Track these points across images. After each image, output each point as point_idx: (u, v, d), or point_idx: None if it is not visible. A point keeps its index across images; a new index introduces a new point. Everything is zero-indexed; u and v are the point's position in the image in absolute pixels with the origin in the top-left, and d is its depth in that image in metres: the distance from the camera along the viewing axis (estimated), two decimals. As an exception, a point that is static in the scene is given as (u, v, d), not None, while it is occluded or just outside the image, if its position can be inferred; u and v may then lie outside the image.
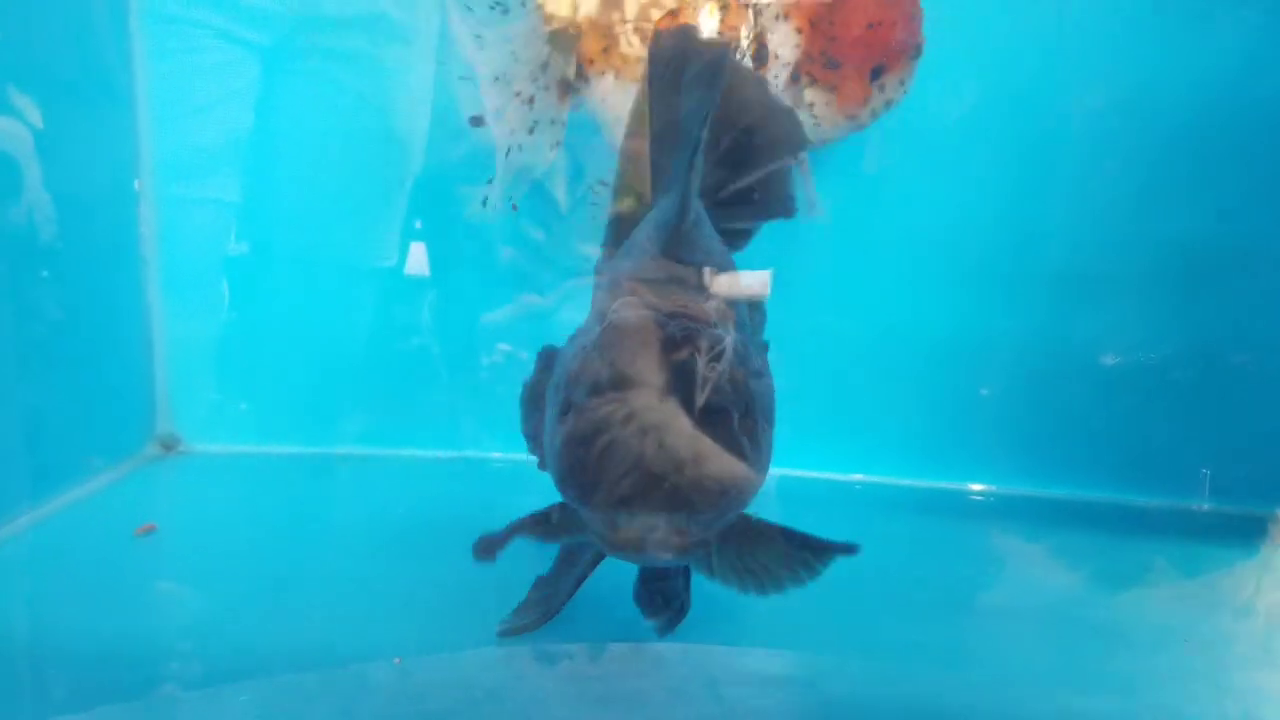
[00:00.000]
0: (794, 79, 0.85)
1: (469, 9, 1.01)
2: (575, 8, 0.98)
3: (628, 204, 0.86)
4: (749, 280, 0.78)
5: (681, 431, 0.53)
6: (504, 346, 1.22)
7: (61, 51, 1.13)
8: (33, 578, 0.92)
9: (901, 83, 0.83)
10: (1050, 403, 1.19)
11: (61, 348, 1.12)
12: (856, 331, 1.21)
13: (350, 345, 1.31)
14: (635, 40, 0.99)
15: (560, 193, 1.13)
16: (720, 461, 0.54)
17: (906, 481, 1.25)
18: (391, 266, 1.29)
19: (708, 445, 0.54)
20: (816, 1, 0.82)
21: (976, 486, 1.23)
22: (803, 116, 0.84)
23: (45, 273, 1.09)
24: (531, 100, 1.01)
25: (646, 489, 0.53)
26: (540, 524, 0.68)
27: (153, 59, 1.24)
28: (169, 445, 1.32)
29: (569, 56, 0.98)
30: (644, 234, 0.75)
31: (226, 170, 1.28)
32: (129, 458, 1.27)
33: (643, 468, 0.52)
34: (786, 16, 0.83)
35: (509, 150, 1.02)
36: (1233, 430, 1.17)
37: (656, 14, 0.98)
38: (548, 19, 0.98)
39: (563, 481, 0.59)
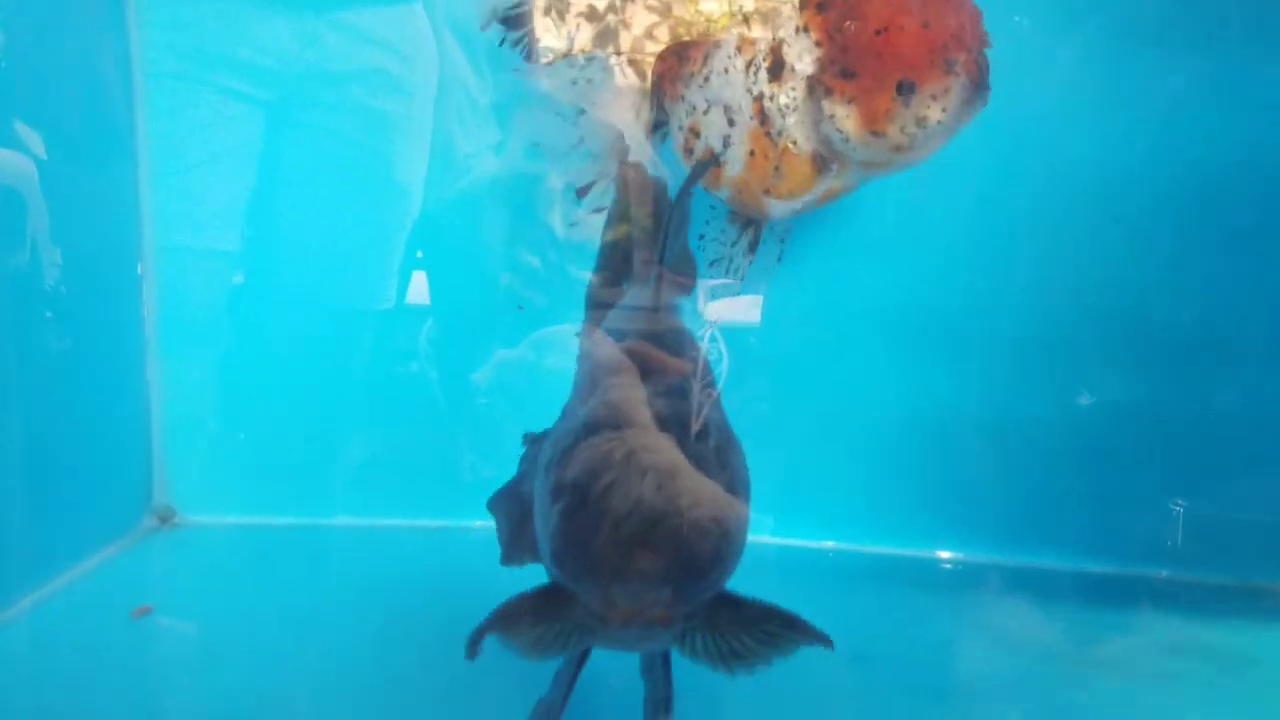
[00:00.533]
0: (811, 92, 0.82)
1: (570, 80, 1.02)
2: (570, 41, 1.00)
3: (622, 230, 0.86)
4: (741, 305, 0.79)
5: (682, 488, 0.54)
6: (482, 400, 1.24)
7: (68, 104, 1.16)
8: (32, 664, 0.94)
9: (934, 98, 0.76)
10: (1015, 470, 1.22)
11: (61, 424, 1.13)
12: (826, 397, 1.23)
13: (347, 417, 1.32)
14: (630, 73, 1.01)
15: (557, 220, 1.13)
16: (717, 525, 0.55)
17: (877, 549, 1.27)
18: (389, 310, 1.31)
19: (706, 502, 0.55)
20: (835, 11, 0.80)
21: (945, 554, 1.27)
22: (829, 132, 0.82)
23: (48, 341, 1.12)
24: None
25: (651, 548, 0.53)
26: (515, 614, 0.65)
27: (156, 113, 1.27)
28: (165, 517, 1.34)
29: (648, 99, 1.00)
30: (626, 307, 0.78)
31: (226, 235, 1.30)
32: (126, 532, 1.28)
33: (647, 520, 0.53)
34: (806, 29, 0.82)
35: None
36: (1196, 499, 1.20)
37: (652, 46, 0.99)
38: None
39: (565, 551, 0.58)
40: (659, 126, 0.99)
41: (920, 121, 0.78)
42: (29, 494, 1.07)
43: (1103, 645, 1.03)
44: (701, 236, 1.04)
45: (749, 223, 0.97)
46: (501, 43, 1.03)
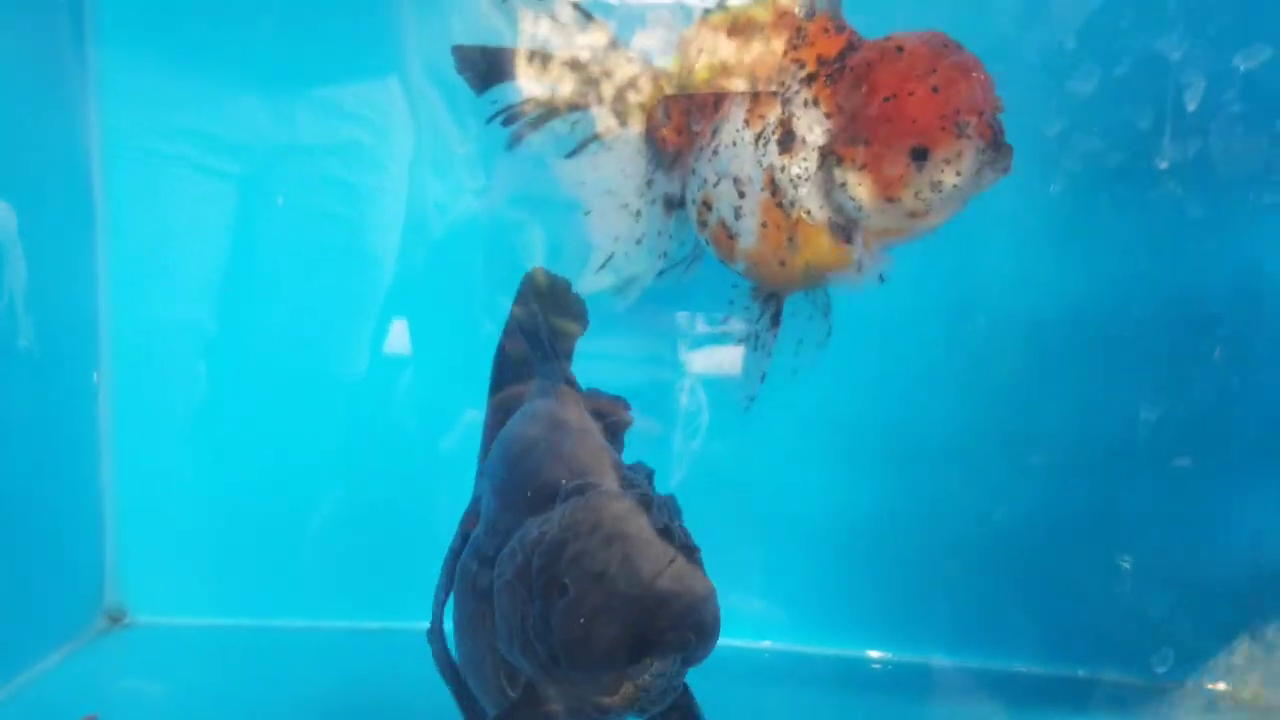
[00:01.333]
0: (822, 162, 0.82)
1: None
2: (554, 91, 0.99)
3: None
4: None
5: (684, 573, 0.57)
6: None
7: (26, 176, 1.12)
8: None
9: (948, 162, 0.75)
10: (942, 572, 1.21)
11: (11, 523, 1.07)
12: (761, 497, 1.22)
13: (307, 511, 1.26)
14: (613, 122, 1.00)
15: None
16: (713, 597, 0.58)
17: (810, 649, 1.25)
18: (358, 380, 1.26)
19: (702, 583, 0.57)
20: (844, 83, 0.80)
21: (875, 654, 1.25)
22: (842, 200, 0.81)
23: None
24: (638, 214, 1.01)
25: (676, 625, 0.55)
26: None
27: (118, 187, 1.23)
28: (116, 618, 1.26)
29: (672, 174, 1.00)
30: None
31: (188, 312, 1.26)
32: (77, 634, 1.20)
33: (659, 598, 0.55)
34: (816, 101, 0.82)
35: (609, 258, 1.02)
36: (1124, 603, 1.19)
37: (634, 96, 0.98)
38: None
39: (578, 647, 0.58)
40: (671, 204, 0.99)
41: (935, 186, 0.77)
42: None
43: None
44: (725, 319, 1.05)
45: (770, 296, 0.96)
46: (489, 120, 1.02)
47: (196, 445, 1.27)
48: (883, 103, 0.78)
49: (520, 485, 0.68)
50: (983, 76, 0.78)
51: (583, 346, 0.81)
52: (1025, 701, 1.16)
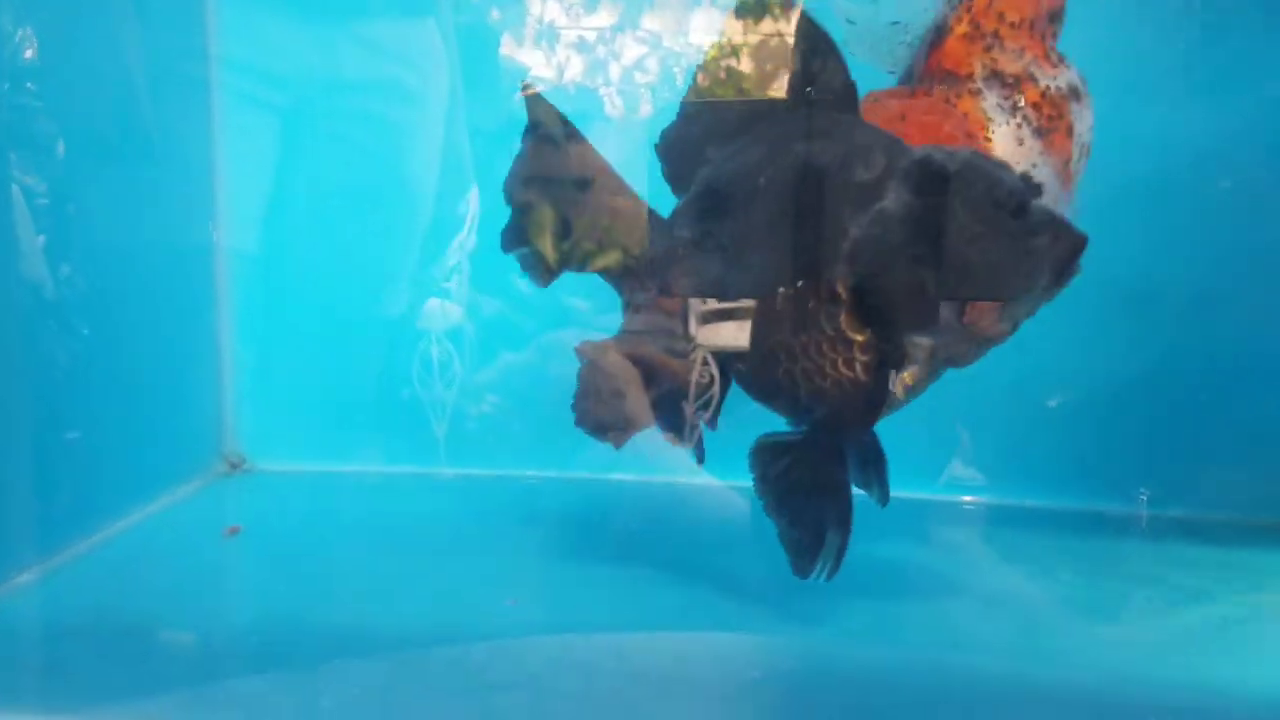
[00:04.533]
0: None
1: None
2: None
3: (613, 258, 0.95)
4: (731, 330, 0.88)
5: None
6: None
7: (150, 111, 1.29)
8: (131, 574, 1.07)
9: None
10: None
11: (142, 370, 1.27)
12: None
13: (402, 370, 1.45)
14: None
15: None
16: None
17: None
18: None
19: None
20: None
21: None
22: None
23: (128, 305, 1.25)
24: None
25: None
26: None
27: (225, 127, 1.41)
28: (235, 464, 1.45)
29: None
30: None
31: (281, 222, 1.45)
32: (196, 476, 1.42)
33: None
34: None
35: None
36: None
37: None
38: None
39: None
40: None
41: (1011, 318, 0.86)
42: (114, 430, 1.22)
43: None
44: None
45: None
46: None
47: (305, 312, 1.48)
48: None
49: None
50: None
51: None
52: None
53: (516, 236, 0.98)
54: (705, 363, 0.90)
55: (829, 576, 0.87)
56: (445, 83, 1.38)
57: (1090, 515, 1.32)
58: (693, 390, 0.89)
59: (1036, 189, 0.80)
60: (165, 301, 1.33)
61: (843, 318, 0.80)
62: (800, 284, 0.82)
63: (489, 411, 1.42)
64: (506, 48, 1.32)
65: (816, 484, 0.87)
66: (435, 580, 1.06)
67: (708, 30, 1.23)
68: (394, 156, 1.42)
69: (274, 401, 1.49)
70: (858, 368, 0.81)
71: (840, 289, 0.80)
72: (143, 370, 1.27)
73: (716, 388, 0.90)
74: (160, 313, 1.32)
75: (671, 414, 0.94)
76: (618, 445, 0.96)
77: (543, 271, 0.98)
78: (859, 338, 0.80)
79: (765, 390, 0.89)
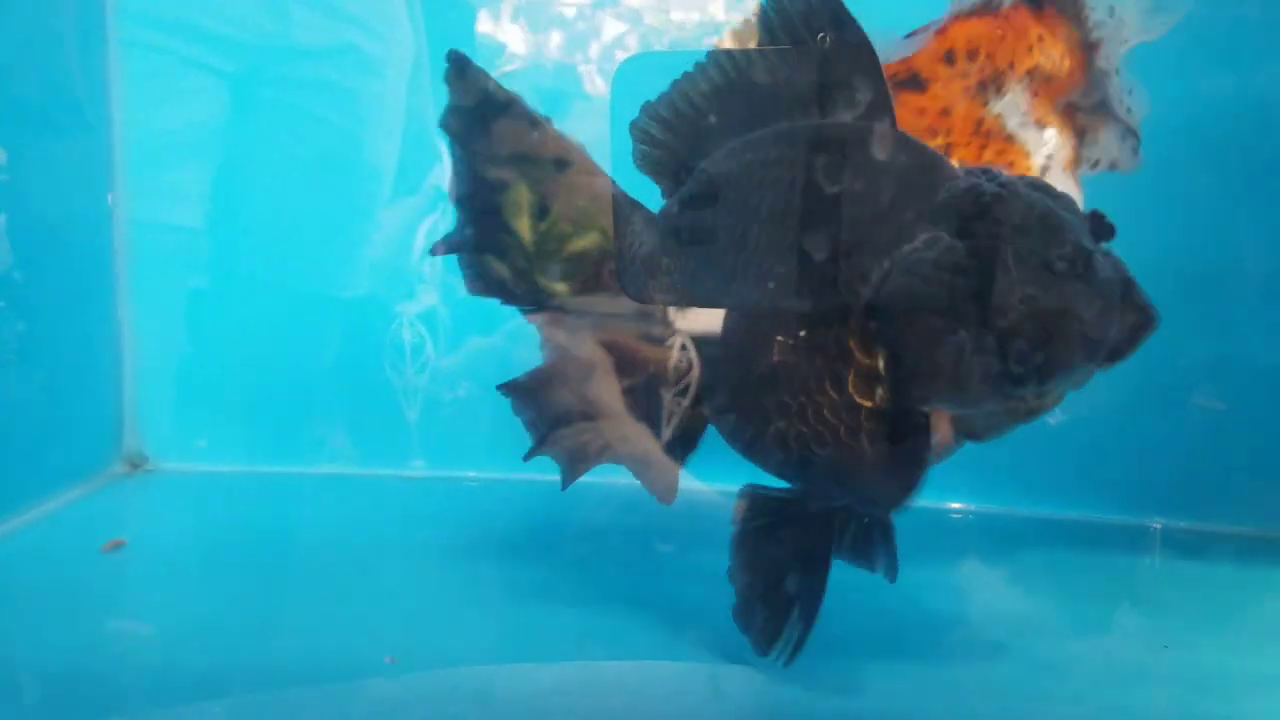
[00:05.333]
0: None
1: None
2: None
3: (591, 240, 0.88)
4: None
5: None
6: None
7: (35, 81, 1.18)
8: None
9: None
10: None
11: (33, 365, 1.16)
12: None
13: (314, 367, 1.35)
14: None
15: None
16: None
17: None
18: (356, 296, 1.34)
19: None
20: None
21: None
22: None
23: (17, 289, 1.12)
24: None
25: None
26: None
27: (127, 87, 1.29)
28: (135, 464, 1.33)
29: None
30: None
31: (195, 195, 1.32)
32: (94, 476, 1.30)
33: None
34: None
35: None
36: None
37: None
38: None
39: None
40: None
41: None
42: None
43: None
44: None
45: None
46: None
47: (212, 303, 1.35)
48: None
49: None
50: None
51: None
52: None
53: (461, 241, 0.89)
54: (684, 348, 0.83)
55: (786, 663, 0.77)
56: (410, 51, 1.28)
57: (1100, 527, 1.25)
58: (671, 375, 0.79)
59: (1109, 230, 0.66)
60: (56, 279, 1.20)
61: (851, 378, 0.69)
62: (804, 334, 0.71)
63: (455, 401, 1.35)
64: (482, 24, 1.24)
65: (797, 556, 0.77)
66: (332, 607, 0.92)
67: (687, 7, 1.15)
68: (351, 127, 1.31)
69: (182, 395, 1.36)
70: (863, 438, 0.70)
71: (853, 345, 0.69)
72: (30, 358, 1.14)
73: (695, 373, 0.84)
74: (50, 292, 1.19)
75: (648, 402, 0.87)
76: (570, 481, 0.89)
77: (485, 284, 0.90)
78: (867, 403, 0.69)
79: (751, 449, 0.78)
